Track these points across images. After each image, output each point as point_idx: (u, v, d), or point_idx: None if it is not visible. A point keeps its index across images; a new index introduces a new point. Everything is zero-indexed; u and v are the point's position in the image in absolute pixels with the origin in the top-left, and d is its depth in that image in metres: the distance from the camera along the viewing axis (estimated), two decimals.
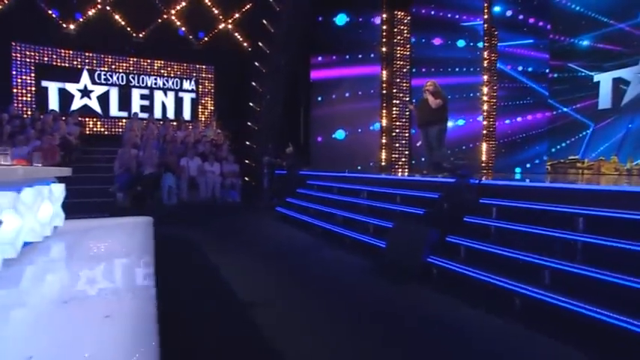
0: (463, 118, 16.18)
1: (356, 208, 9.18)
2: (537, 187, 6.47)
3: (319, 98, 15.69)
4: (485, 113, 16.48)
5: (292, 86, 15.28)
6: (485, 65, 16.40)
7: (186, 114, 16.09)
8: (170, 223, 10.12)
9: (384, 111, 15.78)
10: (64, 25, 14.47)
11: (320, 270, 6.99)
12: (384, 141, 15.70)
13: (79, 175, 12.31)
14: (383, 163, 15.65)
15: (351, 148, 15.47)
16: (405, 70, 16.06)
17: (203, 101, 16.40)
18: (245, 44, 16.24)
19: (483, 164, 16.32)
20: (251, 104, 15.37)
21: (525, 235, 5.63)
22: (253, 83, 15.09)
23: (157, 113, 15.67)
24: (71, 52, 14.69)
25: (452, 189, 7.14)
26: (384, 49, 15.76)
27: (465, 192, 7.15)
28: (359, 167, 15.48)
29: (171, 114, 15.84)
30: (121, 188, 11.77)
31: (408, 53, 16.10)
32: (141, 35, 15.29)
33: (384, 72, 15.81)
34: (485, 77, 16.45)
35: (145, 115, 15.26)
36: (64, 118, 13.75)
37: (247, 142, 15.32)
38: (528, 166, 17.11)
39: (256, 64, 14.92)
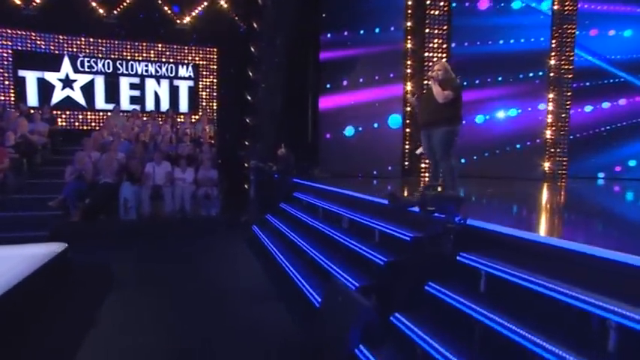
0: (517, 107, 13.12)
1: (332, 245, 6.91)
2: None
3: (328, 85, 13.34)
4: (552, 99, 13.22)
5: (296, 71, 13.06)
6: (554, 30, 13.12)
7: (183, 105, 14.47)
8: (104, 246, 9.15)
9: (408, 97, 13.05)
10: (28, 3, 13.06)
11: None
12: (407, 140, 13.09)
13: (34, 182, 11.22)
14: (406, 166, 13.07)
15: (367, 147, 12.99)
16: (439, 41, 13.24)
17: (204, 90, 14.70)
18: (243, 23, 14.25)
19: (548, 169, 13.18)
20: (249, 97, 13.36)
21: None
22: (250, 73, 13.03)
23: (150, 105, 14.19)
24: (45, 34, 13.31)
25: (428, 232, 4.79)
26: (409, 18, 13.07)
27: (445, 241, 4.80)
28: (375, 172, 13.07)
29: (165, 105, 14.29)
30: (66, 200, 10.33)
31: (444, 20, 13.26)
32: (116, 12, 13.73)
33: (410, 47, 13.13)
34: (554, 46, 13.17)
35: (137, 108, 13.84)
36: (32, 111, 12.59)
37: (238, 142, 13.34)
38: (618, 169, 13.77)
39: (252, 49, 12.84)
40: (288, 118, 13.11)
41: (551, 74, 13.10)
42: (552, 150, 13.21)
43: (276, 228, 9.64)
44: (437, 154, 6.10)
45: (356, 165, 13.08)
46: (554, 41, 13.07)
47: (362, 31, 13.06)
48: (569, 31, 13.21)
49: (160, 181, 11.12)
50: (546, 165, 13.16)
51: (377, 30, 13.03)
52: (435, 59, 13.00)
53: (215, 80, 14.71)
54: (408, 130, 12.91)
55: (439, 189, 4.93)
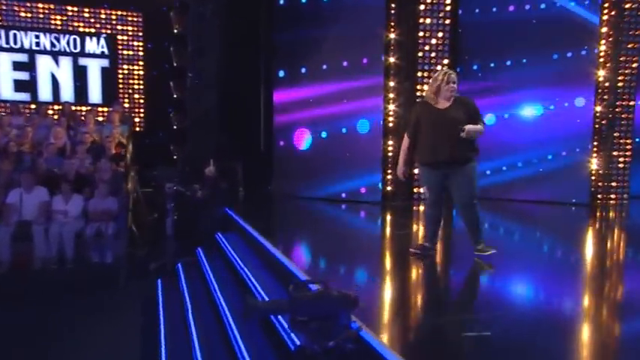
0: (542, 103, 9.87)
1: None
2: None
3: (281, 73, 10.18)
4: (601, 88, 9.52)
5: (241, 55, 9.86)
6: None
7: (95, 94, 11.16)
8: None
9: (391, 96, 9.79)
10: None
11: None
12: (390, 148, 9.87)
13: None
14: (389, 188, 9.93)
15: (333, 160, 9.91)
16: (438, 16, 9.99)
17: (126, 74, 11.38)
18: None
19: (598, 189, 9.78)
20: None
21: None
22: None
23: (45, 93, 10.86)
24: None
25: None
26: None
27: None
28: (343, 195, 9.94)
29: (68, 94, 10.96)
30: None
31: None
32: None
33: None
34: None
35: (24, 97, 10.54)
36: None
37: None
38: None
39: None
40: (231, 119, 9.97)
41: (603, 51, 9.39)
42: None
43: (205, 278, 6.75)
44: (460, 200, 5.11)
45: (319, 184, 9.99)
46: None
47: None
48: None
49: (30, 216, 8.00)
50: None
51: None
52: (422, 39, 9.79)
53: (141, 60, 11.42)
54: (390, 142, 9.69)
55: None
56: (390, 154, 9.73)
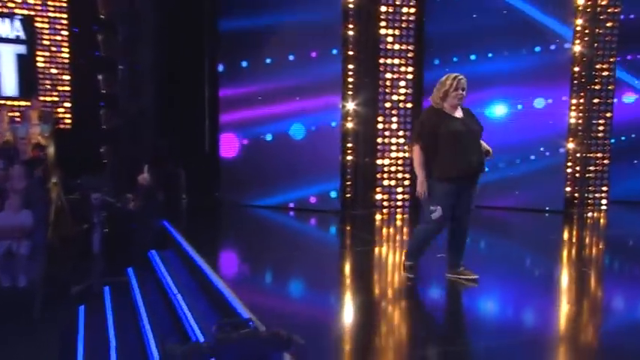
0: (511, 102, 9.13)
1: None
2: None
3: (220, 68, 9.20)
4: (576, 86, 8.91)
5: (182, 46, 8.80)
6: None
7: (9, 86, 9.85)
8: None
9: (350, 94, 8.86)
10: None
11: None
12: (349, 152, 9.02)
13: None
14: (348, 195, 8.99)
15: (284, 163, 8.96)
16: None
17: (46, 62, 10.09)
18: None
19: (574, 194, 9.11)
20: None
21: None
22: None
23: None
24: None
25: None
26: None
27: None
28: (297, 204, 9.00)
29: None
30: None
31: None
32: None
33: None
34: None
35: None
36: None
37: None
38: None
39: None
40: (171, 118, 8.89)
41: (578, 46, 8.78)
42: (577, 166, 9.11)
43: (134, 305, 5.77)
44: (466, 211, 4.86)
45: (272, 191, 9.03)
46: None
47: None
48: None
49: None
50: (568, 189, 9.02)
51: None
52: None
53: (65, 47, 10.11)
54: (350, 145, 8.77)
55: None
56: (349, 157, 8.85)
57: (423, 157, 4.63)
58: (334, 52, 8.73)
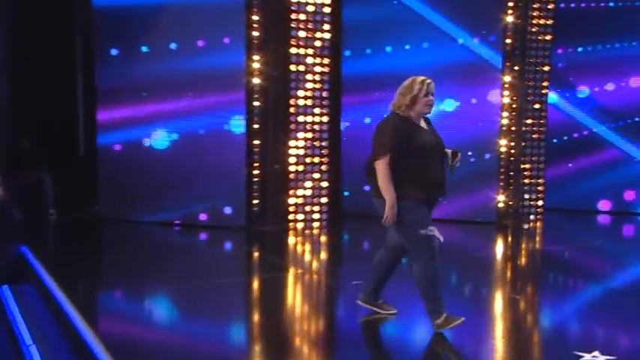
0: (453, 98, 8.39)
1: None
2: None
3: (113, 51, 7.72)
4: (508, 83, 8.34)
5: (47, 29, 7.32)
6: None
7: None
8: None
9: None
10: None
11: None
12: (256, 157, 7.77)
13: None
14: (256, 209, 7.77)
15: (199, 170, 7.64)
16: None
17: None
18: None
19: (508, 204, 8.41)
20: None
21: None
22: None
23: None
24: None
25: None
26: None
27: None
28: (180, 220, 7.67)
29: None
30: None
31: None
32: None
33: None
34: None
35: None
36: None
37: None
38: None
39: None
40: (34, 115, 7.35)
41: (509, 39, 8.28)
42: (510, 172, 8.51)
43: None
44: None
45: (165, 203, 7.66)
46: None
47: None
48: None
49: None
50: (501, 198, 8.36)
51: None
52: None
53: None
54: (255, 149, 7.55)
55: None
56: (255, 164, 7.66)
57: (390, 173, 3.86)
58: (236, 40, 7.53)
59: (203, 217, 7.77)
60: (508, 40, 8.19)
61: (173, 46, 7.63)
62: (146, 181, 7.73)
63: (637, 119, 9.37)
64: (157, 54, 7.73)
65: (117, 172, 7.90)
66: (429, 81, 3.98)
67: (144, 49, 7.76)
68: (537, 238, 8.21)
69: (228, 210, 7.67)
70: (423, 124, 4.08)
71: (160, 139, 7.78)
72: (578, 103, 9.58)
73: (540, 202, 8.60)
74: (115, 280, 5.75)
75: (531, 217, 8.50)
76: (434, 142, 4.04)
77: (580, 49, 9.48)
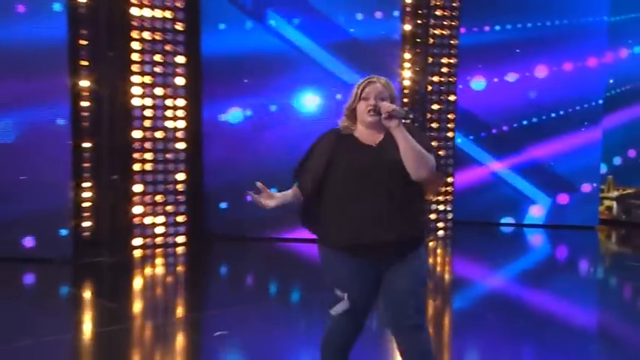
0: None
1: None
2: None
3: None
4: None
5: None
6: None
7: None
8: None
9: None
10: None
11: None
12: (86, 165, 5.81)
13: None
14: (86, 234, 5.84)
15: (11, 180, 5.63)
16: None
17: None
18: None
19: None
20: None
21: None
22: None
23: None
24: None
25: None
26: None
27: None
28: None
29: None
30: None
31: None
32: None
33: None
34: None
35: None
36: None
37: None
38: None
39: None
40: None
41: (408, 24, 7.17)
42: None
43: None
44: (400, 317, 2.94)
45: None
46: None
47: None
48: None
49: None
50: None
51: None
52: None
53: None
54: (86, 154, 5.67)
55: None
56: (86, 174, 5.81)
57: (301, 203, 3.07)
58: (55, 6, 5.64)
59: (15, 246, 5.67)
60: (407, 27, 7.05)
61: None
62: None
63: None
64: None
65: None
66: (372, 79, 2.98)
67: None
68: (445, 259, 7.10)
69: (49, 236, 5.66)
70: (379, 137, 2.97)
71: None
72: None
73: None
74: None
75: None
76: (376, 164, 2.96)
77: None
